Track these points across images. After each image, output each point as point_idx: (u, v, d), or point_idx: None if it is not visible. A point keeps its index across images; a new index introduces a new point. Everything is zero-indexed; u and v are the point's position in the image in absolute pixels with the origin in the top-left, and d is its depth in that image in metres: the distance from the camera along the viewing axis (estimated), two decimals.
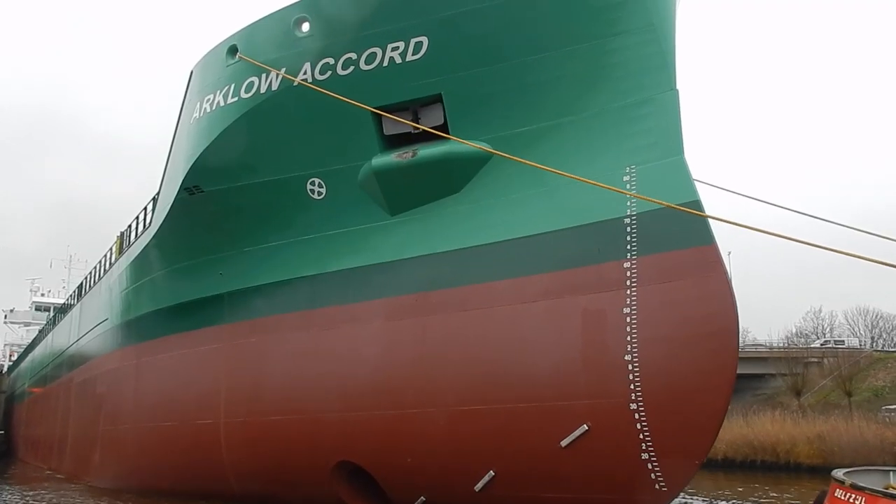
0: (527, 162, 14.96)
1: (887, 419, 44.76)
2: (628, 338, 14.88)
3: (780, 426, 40.43)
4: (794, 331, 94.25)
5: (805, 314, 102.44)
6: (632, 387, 14.68)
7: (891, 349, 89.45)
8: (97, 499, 26.60)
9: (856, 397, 61.62)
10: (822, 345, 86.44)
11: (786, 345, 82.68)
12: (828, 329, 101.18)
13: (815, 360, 76.06)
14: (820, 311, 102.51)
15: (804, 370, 71.86)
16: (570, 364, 15.58)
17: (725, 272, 14.46)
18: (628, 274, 15.21)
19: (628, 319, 14.96)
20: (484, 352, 16.67)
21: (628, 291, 15.11)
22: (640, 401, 14.55)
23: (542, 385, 15.80)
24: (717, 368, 14.18)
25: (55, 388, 44.64)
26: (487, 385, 16.45)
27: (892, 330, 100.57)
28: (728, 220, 13.35)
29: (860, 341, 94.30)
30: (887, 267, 9.45)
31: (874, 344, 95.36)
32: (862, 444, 33.51)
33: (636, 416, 14.59)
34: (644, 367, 14.61)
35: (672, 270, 14.79)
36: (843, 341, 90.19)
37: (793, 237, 10.74)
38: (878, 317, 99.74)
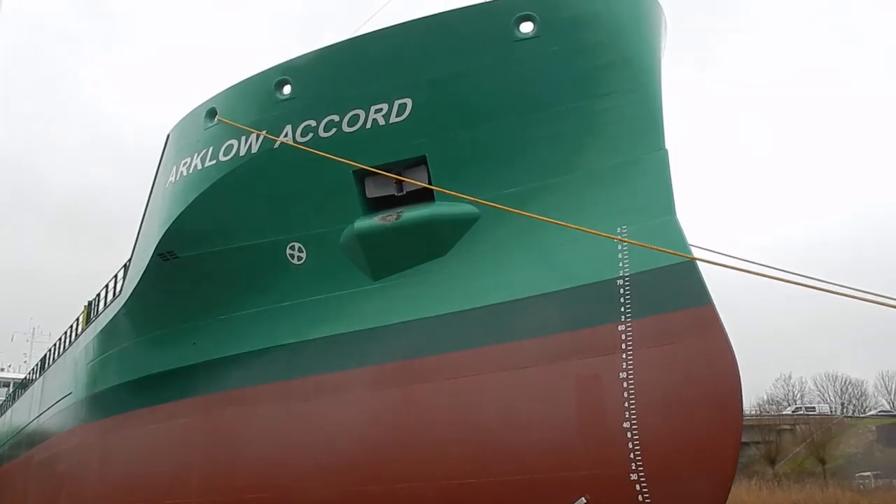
0: (523, 213, 14.55)
1: (861, 486, 44.46)
2: (626, 403, 14.29)
3: (756, 496, 39.77)
4: (765, 398, 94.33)
5: (775, 381, 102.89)
6: (632, 455, 14.02)
7: (860, 415, 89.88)
8: None
9: (829, 464, 61.32)
10: (793, 412, 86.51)
11: (758, 412, 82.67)
12: (798, 396, 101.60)
13: (788, 427, 75.80)
14: (790, 377, 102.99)
15: (777, 438, 71.52)
16: (565, 432, 14.91)
17: (725, 332, 14.03)
18: (623, 337, 14.71)
19: (625, 384, 14.40)
20: (474, 421, 15.94)
21: (624, 355, 14.59)
22: (641, 470, 13.88)
23: (536, 455, 15.07)
24: (722, 433, 13.61)
25: (12, 468, 42.47)
26: (479, 457, 15.68)
27: (860, 396, 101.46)
28: (725, 263, 13.12)
29: (830, 407, 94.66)
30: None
31: (844, 410, 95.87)
32: None
33: (637, 486, 13.89)
34: (644, 433, 13.99)
35: (669, 332, 14.33)
36: (815, 408, 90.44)
37: (803, 283, 10.31)
38: (847, 383, 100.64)
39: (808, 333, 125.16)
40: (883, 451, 67.70)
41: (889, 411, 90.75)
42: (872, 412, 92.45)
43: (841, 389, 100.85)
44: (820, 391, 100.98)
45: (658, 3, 16.88)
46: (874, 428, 71.43)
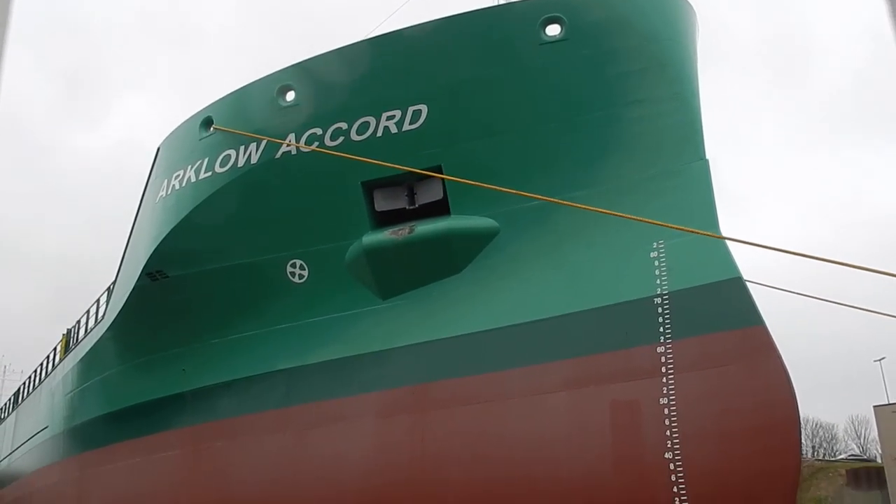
0: (577, 205, 13.19)
1: None
2: (668, 432, 12.96)
3: None
4: None
5: None
6: (675, 489, 12.65)
7: (831, 458, 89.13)
8: None
9: None
10: None
11: None
12: None
13: None
14: None
15: None
16: (598, 465, 13.53)
17: (779, 355, 12.76)
18: (663, 360, 13.44)
19: (666, 411, 13.09)
20: (495, 451, 14.54)
21: (664, 379, 13.30)
22: None
23: (566, 490, 13.66)
24: (779, 469, 12.26)
25: None
26: (500, 491, 14.24)
27: (831, 439, 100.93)
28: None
29: (803, 450, 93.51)
30: None
31: (815, 453, 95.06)
32: None
33: None
34: (689, 467, 12.63)
35: (716, 355, 13.06)
36: None
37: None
38: (818, 426, 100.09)
39: None
40: (853, 496, 66.95)
41: (858, 455, 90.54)
42: (843, 456, 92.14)
43: (812, 433, 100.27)
44: None
45: (690, 5, 15.96)
46: (844, 472, 70.76)
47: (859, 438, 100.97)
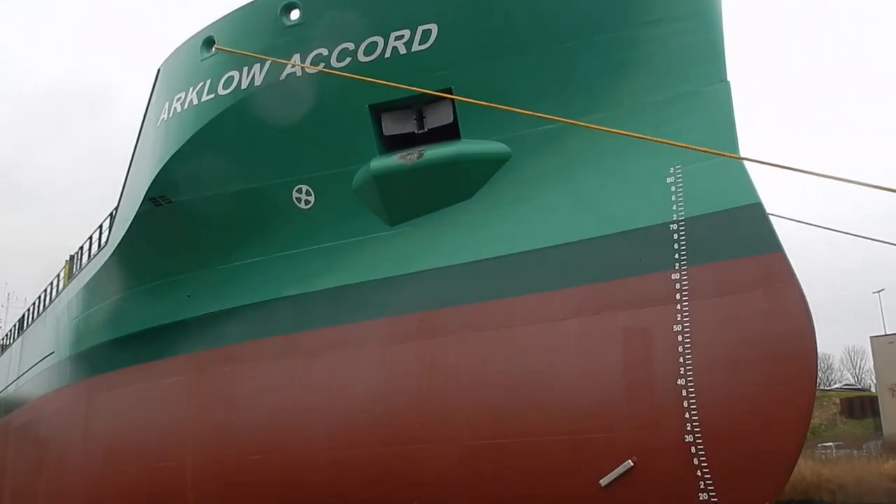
0: (592, 126, 12.85)
1: (823, 457, 44.45)
2: (681, 359, 12.83)
3: None
4: None
5: None
6: (687, 415, 12.60)
7: (826, 388, 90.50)
8: None
9: None
10: None
11: None
12: None
13: None
14: None
15: None
16: (609, 390, 13.47)
17: (798, 283, 12.52)
18: (678, 286, 13.23)
19: (680, 338, 12.94)
20: (504, 378, 14.47)
21: (679, 306, 13.11)
22: (698, 432, 12.47)
23: (575, 416, 13.64)
24: (793, 397, 12.14)
25: None
26: (509, 416, 14.23)
27: (827, 369, 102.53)
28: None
29: None
30: None
31: None
32: (799, 480, 32.84)
33: (692, 449, 12.49)
34: (702, 393, 12.54)
35: (733, 282, 12.83)
36: None
37: None
38: None
39: None
40: (846, 423, 68.44)
41: (853, 385, 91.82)
42: (837, 385, 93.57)
43: None
44: None
45: None
46: (838, 401, 72.00)
47: (855, 369, 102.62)
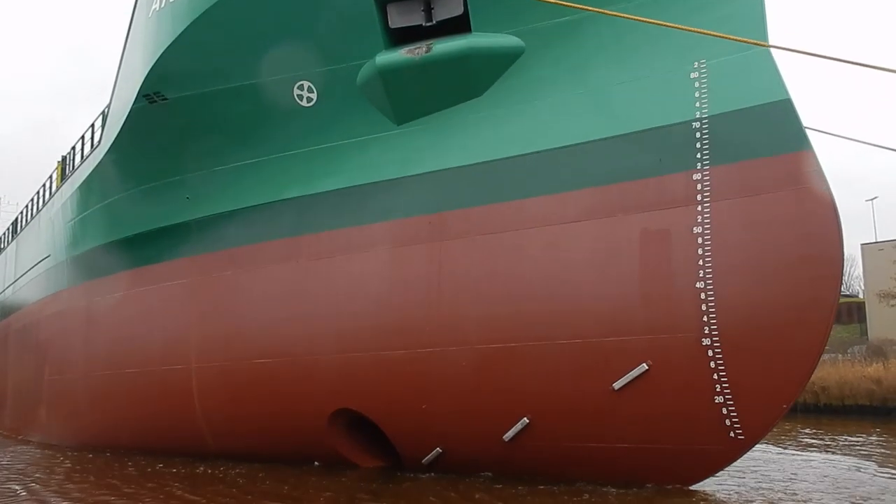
0: (615, 13, 12.13)
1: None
2: (700, 262, 12.52)
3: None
4: None
5: None
6: (705, 318, 12.38)
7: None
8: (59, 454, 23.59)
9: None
10: None
11: None
12: None
13: None
14: None
15: None
16: (625, 294, 13.18)
17: (826, 183, 12.07)
18: (699, 187, 12.77)
19: (700, 241, 12.58)
20: (516, 281, 14.17)
21: (699, 208, 12.70)
22: (716, 335, 12.28)
23: (589, 320, 13.41)
24: (816, 301, 11.88)
25: None
26: (521, 319, 14.00)
27: None
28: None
29: None
30: None
31: None
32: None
33: (709, 352, 12.33)
34: (721, 297, 12.27)
35: (758, 182, 12.36)
36: None
37: None
38: None
39: None
40: (833, 328, 68.94)
41: (842, 291, 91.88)
42: None
43: None
44: None
45: None
46: None
47: (844, 275, 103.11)
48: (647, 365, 12.80)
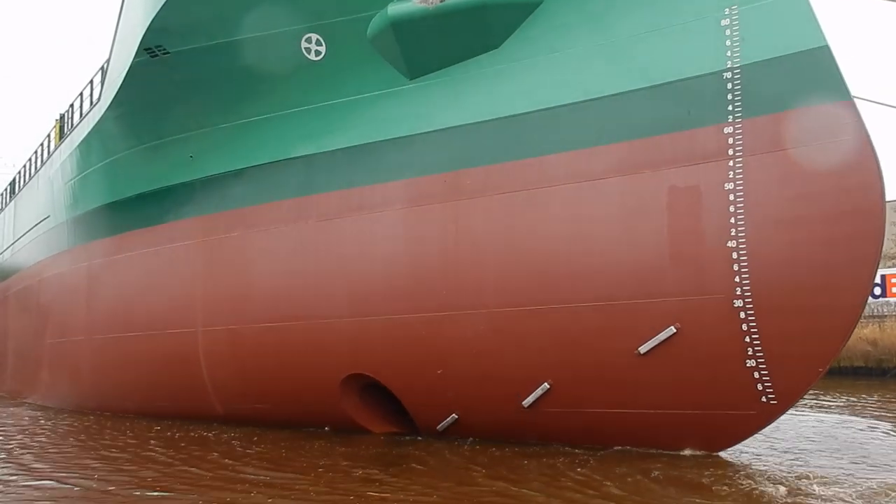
0: None
1: None
2: (732, 220, 11.95)
3: None
4: None
5: None
6: (737, 279, 11.86)
7: None
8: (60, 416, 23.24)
9: None
10: None
11: None
12: None
13: None
14: None
15: None
16: (652, 254, 12.64)
17: (867, 134, 11.42)
18: (731, 141, 12.15)
19: (732, 197, 12.00)
20: (537, 241, 13.63)
21: (731, 163, 12.09)
22: (748, 297, 11.76)
23: (614, 281, 12.88)
24: (855, 260, 11.31)
25: None
26: (542, 282, 13.49)
27: None
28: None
29: None
30: None
31: None
32: None
33: (742, 314, 11.82)
34: (755, 256, 11.74)
35: (793, 134, 11.73)
36: None
37: None
38: None
39: None
40: None
41: None
42: None
43: None
44: None
45: None
46: None
47: None
48: (676, 328, 12.32)
